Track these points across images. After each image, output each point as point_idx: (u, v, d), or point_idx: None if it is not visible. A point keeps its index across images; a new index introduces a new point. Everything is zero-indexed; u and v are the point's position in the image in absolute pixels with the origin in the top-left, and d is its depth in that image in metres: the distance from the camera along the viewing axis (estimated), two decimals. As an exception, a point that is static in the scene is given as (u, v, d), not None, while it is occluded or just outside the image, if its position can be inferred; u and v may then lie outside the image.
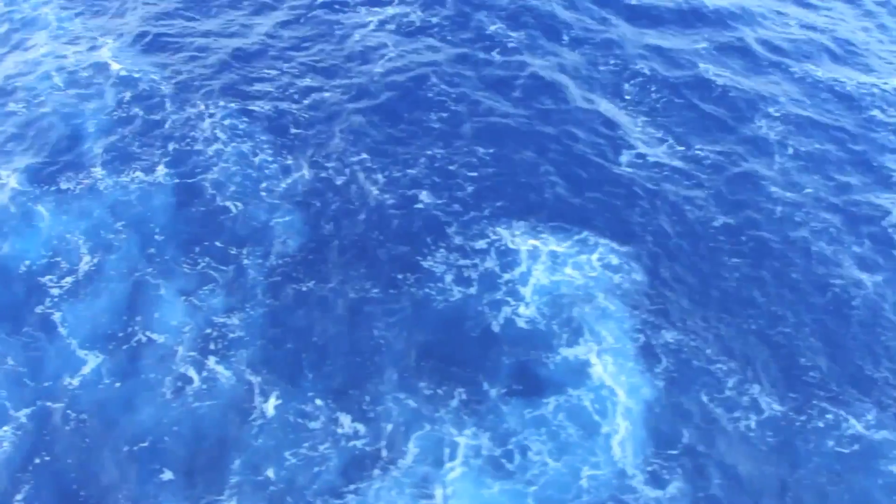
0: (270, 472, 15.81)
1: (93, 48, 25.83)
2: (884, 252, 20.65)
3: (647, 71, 25.74)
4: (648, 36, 27.56)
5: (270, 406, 16.75)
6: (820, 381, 17.88)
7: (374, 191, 21.14)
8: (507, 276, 19.39)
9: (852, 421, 17.24)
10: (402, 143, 22.39)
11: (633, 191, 21.73)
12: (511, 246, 20.07)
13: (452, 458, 16.30)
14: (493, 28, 27.09)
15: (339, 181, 21.42)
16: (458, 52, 25.93)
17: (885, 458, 16.69)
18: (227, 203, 20.83)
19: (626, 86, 25.25)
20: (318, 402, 16.86)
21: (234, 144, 22.29)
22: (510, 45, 26.46)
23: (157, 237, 20.01)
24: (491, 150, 22.44)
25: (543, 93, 24.61)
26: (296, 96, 24.09)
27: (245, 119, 23.05)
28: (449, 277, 19.28)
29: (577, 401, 17.24)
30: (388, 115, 23.26)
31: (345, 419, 16.68)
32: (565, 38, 27.21)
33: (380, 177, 21.51)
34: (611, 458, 16.40)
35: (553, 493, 15.87)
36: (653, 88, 25.12)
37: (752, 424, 17.08)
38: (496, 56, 25.89)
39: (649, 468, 16.32)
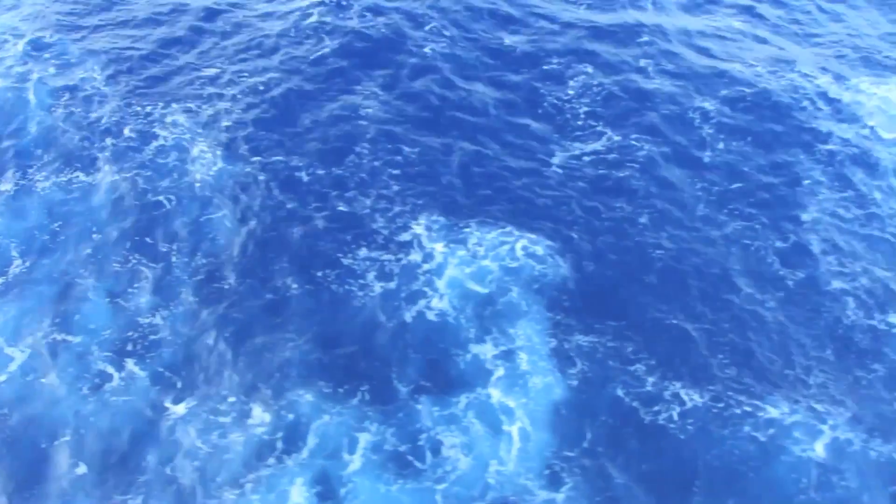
0: (179, 466, 16.38)
1: (27, 44, 26.43)
2: (802, 251, 20.57)
3: (588, 70, 25.83)
4: (590, 35, 27.62)
5: (183, 404, 17.34)
6: (736, 376, 17.98)
7: (302, 188, 21.55)
8: (425, 271, 19.70)
9: (767, 412, 17.30)
10: (330, 142, 22.75)
11: (560, 187, 21.83)
12: (431, 242, 20.36)
13: (353, 452, 16.66)
14: (423, 21, 27.38)
15: (269, 179, 21.81)
16: (388, 45, 26.33)
17: (795, 447, 16.80)
18: (161, 198, 21.40)
19: (567, 84, 25.29)
20: (231, 398, 17.38)
21: (171, 141, 22.81)
22: (443, 34, 26.74)
23: (94, 236, 20.61)
24: (416, 149, 22.75)
25: (474, 87, 24.88)
26: (231, 93, 24.52)
27: (182, 116, 23.54)
28: (371, 274, 19.61)
29: (486, 398, 17.49)
30: (317, 113, 23.65)
31: (254, 414, 17.17)
32: (503, 32, 27.37)
33: (303, 174, 21.91)
34: (514, 458, 16.62)
35: (458, 490, 16.13)
36: (592, 86, 25.13)
37: (665, 420, 17.17)
38: (427, 50, 26.14)
39: (551, 469, 16.48)
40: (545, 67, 25.95)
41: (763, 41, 28.26)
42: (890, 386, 17.91)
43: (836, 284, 19.75)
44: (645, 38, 27.53)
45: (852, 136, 24.05)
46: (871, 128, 24.36)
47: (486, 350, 18.33)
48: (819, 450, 16.78)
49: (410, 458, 16.61)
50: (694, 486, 16.34)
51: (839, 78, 26.41)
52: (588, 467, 16.53)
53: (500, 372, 17.93)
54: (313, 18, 27.66)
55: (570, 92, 24.91)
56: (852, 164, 23.11)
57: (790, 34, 28.76)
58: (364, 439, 16.85)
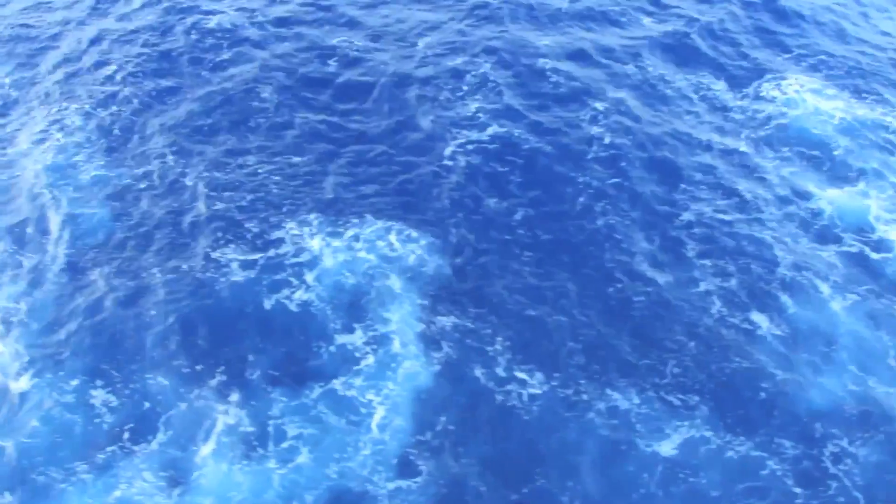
0: (12, 447, 16.14)
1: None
2: (672, 251, 20.65)
3: (486, 66, 26.21)
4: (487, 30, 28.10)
5: (26, 382, 17.16)
6: (590, 366, 17.99)
7: (180, 188, 21.83)
8: (295, 264, 19.73)
9: (618, 402, 17.31)
10: (216, 144, 23.12)
11: (441, 181, 22.07)
12: (308, 237, 20.47)
13: (204, 437, 16.48)
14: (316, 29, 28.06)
15: (150, 178, 22.14)
16: (282, 54, 26.92)
17: (642, 438, 16.77)
18: (44, 191, 21.63)
19: (462, 77, 25.73)
20: (74, 381, 17.20)
21: (56, 139, 23.24)
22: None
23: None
24: (301, 148, 23.20)
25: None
26: (116, 94, 25.07)
27: (68, 116, 24.08)
28: (237, 265, 19.65)
29: (347, 387, 17.38)
30: (206, 116, 24.11)
31: (98, 396, 16.98)
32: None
33: (186, 171, 22.28)
34: (367, 446, 16.45)
35: (303, 480, 15.94)
36: (488, 82, 25.47)
37: (517, 405, 17.11)
38: (313, 56, 26.87)
39: (405, 456, 16.34)
40: (440, 62, 26.41)
41: (666, 45, 28.68)
42: (748, 383, 17.90)
43: (705, 285, 19.80)
44: (545, 42, 27.91)
45: (738, 141, 24.36)
46: (758, 133, 24.69)
47: (353, 339, 18.30)
48: (667, 443, 16.68)
49: (258, 445, 16.41)
50: (536, 471, 16.21)
51: (733, 83, 26.85)
52: (441, 452, 16.42)
53: (366, 360, 17.91)
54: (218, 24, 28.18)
55: (465, 87, 25.26)
56: (736, 168, 23.38)
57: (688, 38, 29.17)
58: (215, 425, 16.68)
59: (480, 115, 24.23)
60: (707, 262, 20.50)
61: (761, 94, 26.23)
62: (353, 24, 28.63)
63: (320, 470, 16.05)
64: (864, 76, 27.64)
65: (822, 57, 28.48)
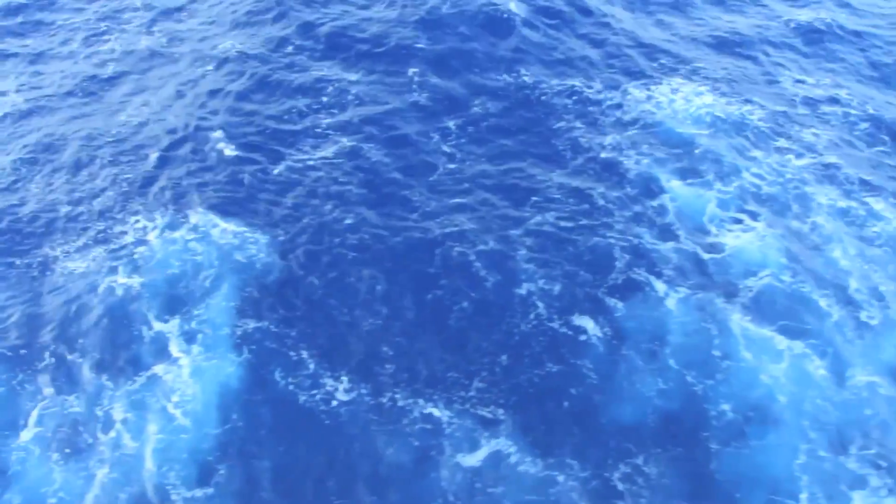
0: None
1: None
2: (506, 257, 20.56)
3: (350, 78, 25.98)
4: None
5: None
6: (396, 372, 18.15)
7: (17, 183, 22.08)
8: (128, 254, 20.11)
9: (424, 412, 17.46)
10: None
11: (280, 187, 22.02)
12: (147, 232, 20.69)
13: (22, 426, 16.94)
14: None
15: None
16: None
17: (446, 450, 16.95)
18: None
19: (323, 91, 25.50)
20: None
21: None
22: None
23: None
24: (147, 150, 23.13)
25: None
26: None
27: None
28: (66, 253, 20.09)
29: (157, 382, 17.67)
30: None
31: None
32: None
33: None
34: (169, 445, 16.71)
35: (115, 477, 16.27)
36: (346, 93, 25.27)
37: (327, 411, 17.30)
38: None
39: (203, 459, 16.54)
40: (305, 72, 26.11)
41: (544, 47, 28.23)
42: (558, 393, 18.10)
43: (531, 290, 19.79)
44: (417, 46, 27.58)
45: (601, 142, 24.24)
46: (622, 134, 24.57)
47: (169, 331, 18.63)
48: (471, 456, 16.88)
49: (76, 437, 16.85)
50: (335, 479, 16.42)
51: (609, 85, 26.62)
52: (237, 459, 16.61)
53: (179, 356, 18.15)
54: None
55: (325, 99, 25.01)
56: (593, 169, 23.30)
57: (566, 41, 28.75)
58: (34, 414, 17.14)
59: (331, 130, 24.04)
60: (538, 267, 20.48)
61: (630, 96, 26.07)
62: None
63: (133, 468, 16.37)
64: (732, 78, 27.44)
65: (694, 59, 28.27)
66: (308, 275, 19.80)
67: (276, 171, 22.40)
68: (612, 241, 21.28)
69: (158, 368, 17.92)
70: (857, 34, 30.96)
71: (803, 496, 16.41)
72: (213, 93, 25.58)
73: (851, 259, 21.71)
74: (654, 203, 22.32)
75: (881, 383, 18.88)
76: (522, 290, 19.73)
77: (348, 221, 21.01)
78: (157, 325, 18.68)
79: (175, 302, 19.18)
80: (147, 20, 29.69)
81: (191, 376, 17.72)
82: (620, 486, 16.56)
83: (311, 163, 22.72)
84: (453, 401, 17.67)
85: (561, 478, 16.59)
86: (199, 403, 17.27)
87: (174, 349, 18.26)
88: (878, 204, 23.44)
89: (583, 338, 19.00)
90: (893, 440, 17.83)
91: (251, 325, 18.69)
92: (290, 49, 27.42)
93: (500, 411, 17.56)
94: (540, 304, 19.49)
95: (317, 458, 16.70)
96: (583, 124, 24.77)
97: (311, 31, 28.30)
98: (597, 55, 28.04)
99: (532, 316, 19.20)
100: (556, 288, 19.87)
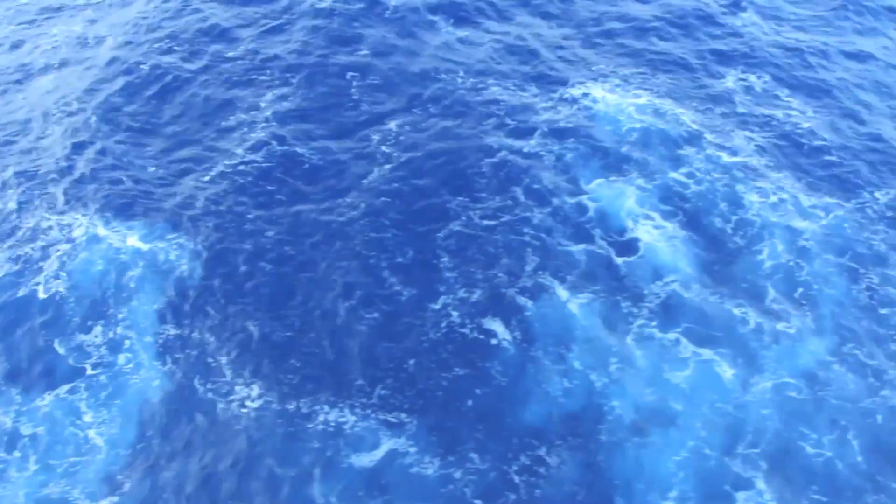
0: None
1: None
2: (424, 263, 21.06)
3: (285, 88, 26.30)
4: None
5: None
6: (306, 380, 18.88)
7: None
8: (51, 258, 20.75)
9: (331, 417, 18.22)
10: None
11: (208, 193, 22.59)
12: (68, 230, 21.46)
13: None
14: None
15: None
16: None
17: (352, 452, 17.77)
18: None
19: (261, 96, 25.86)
20: None
21: None
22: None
23: None
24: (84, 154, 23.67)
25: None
26: None
27: None
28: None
29: (75, 392, 18.47)
30: None
31: None
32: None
33: None
34: (83, 458, 17.60)
35: (29, 490, 17.13)
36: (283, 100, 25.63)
37: (236, 417, 18.08)
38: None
39: (116, 469, 17.42)
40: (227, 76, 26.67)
41: (472, 50, 28.43)
42: (464, 395, 18.69)
43: (446, 295, 20.41)
44: (344, 59, 27.77)
45: (529, 143, 24.51)
46: (552, 134, 24.81)
47: (91, 339, 19.39)
48: (368, 455, 17.67)
49: None
50: (245, 483, 17.24)
51: (540, 86, 26.76)
52: (150, 466, 17.47)
53: (98, 366, 18.94)
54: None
55: (263, 104, 25.45)
56: (514, 175, 23.59)
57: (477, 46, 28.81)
58: None
59: (264, 135, 24.49)
60: (454, 270, 21.00)
61: (566, 97, 26.19)
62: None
63: (39, 479, 17.25)
64: (672, 79, 27.45)
65: (631, 59, 28.29)
66: (227, 281, 20.52)
67: (199, 176, 23.00)
68: (526, 241, 21.72)
69: (74, 381, 18.66)
70: (799, 40, 30.86)
71: (674, 494, 17.15)
72: (129, 95, 26.16)
73: (776, 259, 22.07)
74: (574, 202, 22.70)
75: (791, 388, 19.41)
76: (437, 294, 20.35)
77: (269, 228, 21.67)
78: (77, 335, 19.42)
79: (95, 310, 19.91)
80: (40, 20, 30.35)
81: (109, 386, 18.54)
82: (517, 479, 17.35)
83: (235, 167, 23.27)
84: (356, 406, 18.45)
85: (458, 473, 17.38)
86: (116, 415, 18.10)
87: (92, 359, 19.02)
88: (807, 202, 23.70)
89: (493, 341, 19.63)
90: (787, 444, 18.41)
91: (172, 331, 19.50)
92: (207, 56, 27.93)
93: (404, 415, 18.32)
94: (452, 308, 20.11)
95: (222, 464, 17.52)
96: (512, 121, 25.06)
97: (228, 34, 28.89)
98: (529, 56, 28.15)
99: (444, 321, 19.84)
100: (469, 291, 20.47)
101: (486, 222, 22.08)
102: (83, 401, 18.37)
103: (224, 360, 19.04)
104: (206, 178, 22.95)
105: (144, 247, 21.16)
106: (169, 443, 17.79)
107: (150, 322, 19.65)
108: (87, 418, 18.10)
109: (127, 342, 19.30)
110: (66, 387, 18.60)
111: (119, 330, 19.46)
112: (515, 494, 17.27)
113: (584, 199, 22.78)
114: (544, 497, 17.26)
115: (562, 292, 20.49)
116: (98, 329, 19.53)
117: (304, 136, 24.29)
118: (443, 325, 19.80)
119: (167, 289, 20.32)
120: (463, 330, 19.73)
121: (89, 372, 18.82)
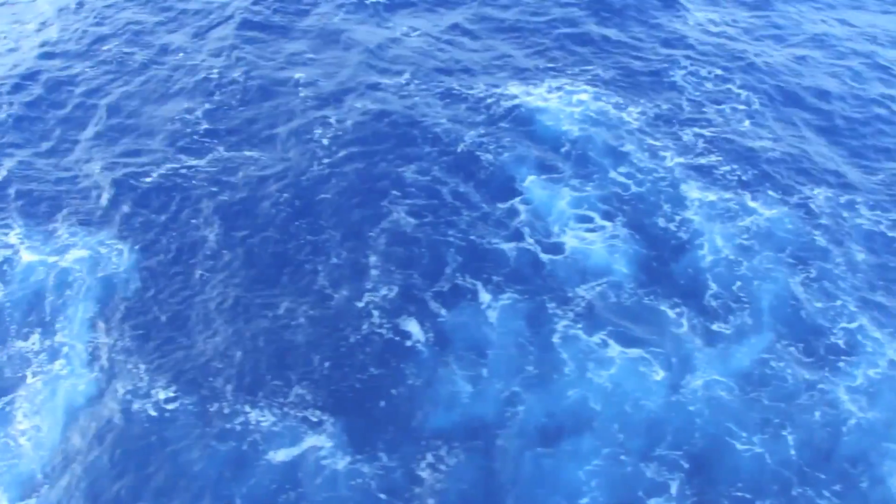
0: None
1: None
2: (354, 263, 21.11)
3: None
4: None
5: None
6: (227, 383, 18.96)
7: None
8: None
9: (248, 418, 18.27)
10: None
11: (147, 194, 23.05)
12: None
13: None
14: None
15: None
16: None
17: (268, 452, 17.76)
18: None
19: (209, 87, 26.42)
20: None
21: None
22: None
23: None
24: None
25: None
26: None
27: None
28: None
29: (14, 402, 18.83)
30: None
31: None
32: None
33: None
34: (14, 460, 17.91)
35: None
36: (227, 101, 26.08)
37: (153, 420, 18.21)
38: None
39: (35, 477, 17.67)
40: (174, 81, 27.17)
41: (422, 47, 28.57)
42: (375, 395, 18.63)
43: (368, 296, 20.44)
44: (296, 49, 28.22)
45: (465, 141, 24.49)
46: (487, 136, 24.77)
47: (27, 346, 19.83)
48: (284, 452, 17.68)
49: None
50: (170, 484, 17.32)
51: (487, 84, 26.75)
52: (69, 469, 17.68)
53: (32, 373, 19.29)
54: None
55: (196, 110, 25.78)
56: (454, 168, 23.64)
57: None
58: None
59: (206, 137, 24.90)
60: (379, 271, 20.99)
61: (504, 96, 26.19)
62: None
63: None
64: (620, 75, 27.35)
65: (579, 56, 28.24)
66: (156, 286, 20.87)
67: (140, 183, 23.45)
68: (451, 241, 21.63)
69: (11, 387, 19.02)
70: (750, 30, 30.66)
71: (584, 502, 16.73)
72: (58, 103, 26.78)
73: (716, 257, 21.70)
74: (507, 203, 22.61)
75: (723, 387, 18.98)
76: (361, 295, 20.37)
77: (206, 233, 21.98)
78: (14, 343, 19.84)
79: (33, 318, 20.35)
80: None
81: (42, 393, 18.86)
82: (425, 475, 17.21)
83: (177, 173, 23.68)
84: (273, 406, 18.51)
85: (366, 469, 17.34)
86: (46, 420, 18.39)
87: (32, 366, 19.39)
88: (751, 201, 23.33)
89: (408, 343, 19.51)
90: (715, 442, 17.94)
91: (102, 339, 19.82)
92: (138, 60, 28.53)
93: (319, 412, 18.33)
94: (374, 310, 20.10)
95: (140, 465, 17.69)
96: (451, 123, 25.07)
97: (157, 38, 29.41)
98: (475, 53, 28.25)
99: (365, 322, 19.84)
100: (392, 292, 20.46)
101: (413, 221, 22.04)
102: (20, 409, 18.71)
103: (144, 366, 19.26)
104: (143, 183, 23.37)
105: (82, 254, 21.56)
106: (89, 446, 17.97)
107: (83, 329, 19.99)
108: (22, 426, 18.46)
109: (65, 349, 19.67)
110: (6, 398, 18.96)
111: (58, 338, 19.83)
112: (417, 493, 17.09)
113: (516, 200, 22.67)
114: (443, 500, 17.04)
115: (484, 295, 20.38)
116: (35, 337, 19.96)
117: (234, 136, 24.66)
118: (364, 324, 19.77)
119: (103, 297, 20.64)
120: (380, 330, 19.71)
121: (29, 380, 19.18)
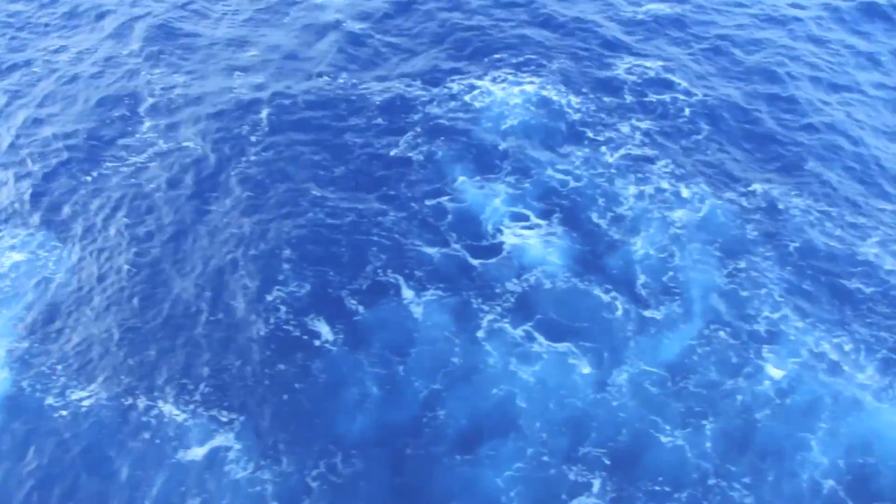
0: None
1: None
2: (267, 257, 21.19)
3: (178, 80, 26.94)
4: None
5: None
6: (140, 379, 19.09)
7: None
8: None
9: (163, 414, 18.38)
10: None
11: (92, 194, 23.30)
12: None
13: None
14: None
15: None
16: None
17: (180, 448, 17.82)
18: None
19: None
20: None
21: None
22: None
23: None
24: None
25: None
26: None
27: None
28: None
29: None
30: None
31: None
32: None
33: None
34: None
35: None
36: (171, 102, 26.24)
37: (70, 417, 18.33)
38: None
39: None
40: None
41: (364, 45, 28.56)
42: (285, 396, 18.59)
43: (280, 294, 20.40)
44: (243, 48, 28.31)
45: (404, 137, 24.53)
46: (421, 135, 24.73)
47: None
48: (188, 452, 17.74)
49: None
50: (54, 482, 17.38)
51: (426, 81, 26.74)
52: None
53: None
54: None
55: (140, 106, 25.96)
56: (385, 165, 23.75)
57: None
58: None
59: (151, 133, 25.06)
60: (295, 270, 20.94)
61: (447, 90, 26.12)
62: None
63: None
64: (562, 68, 27.24)
65: (523, 49, 28.11)
66: (84, 287, 20.95)
67: (84, 180, 23.64)
68: (374, 240, 21.60)
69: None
70: (702, 20, 30.64)
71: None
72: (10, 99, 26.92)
73: (649, 251, 21.76)
74: (436, 200, 22.59)
75: (651, 378, 18.99)
76: (272, 295, 20.37)
77: (143, 229, 22.15)
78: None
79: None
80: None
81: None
82: (313, 484, 17.17)
83: (120, 170, 23.85)
84: (181, 403, 18.51)
85: (266, 475, 17.32)
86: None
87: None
88: (685, 191, 23.41)
89: (317, 342, 19.43)
90: (638, 437, 18.01)
91: (24, 343, 19.86)
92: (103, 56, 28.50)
93: (226, 412, 18.32)
94: (282, 307, 20.07)
95: (49, 462, 17.78)
96: (385, 121, 25.04)
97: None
98: (417, 48, 28.24)
99: (273, 321, 19.78)
100: (306, 291, 20.44)
101: (334, 221, 22.03)
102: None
103: (62, 365, 19.33)
104: (84, 185, 23.54)
105: (19, 257, 21.69)
106: (6, 447, 18.10)
107: (6, 332, 20.05)
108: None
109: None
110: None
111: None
112: (310, 500, 17.06)
113: (445, 199, 22.63)
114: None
115: (407, 292, 20.32)
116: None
117: (177, 132, 24.82)
118: (272, 322, 19.75)
119: (33, 299, 20.72)
120: (287, 327, 19.67)
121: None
